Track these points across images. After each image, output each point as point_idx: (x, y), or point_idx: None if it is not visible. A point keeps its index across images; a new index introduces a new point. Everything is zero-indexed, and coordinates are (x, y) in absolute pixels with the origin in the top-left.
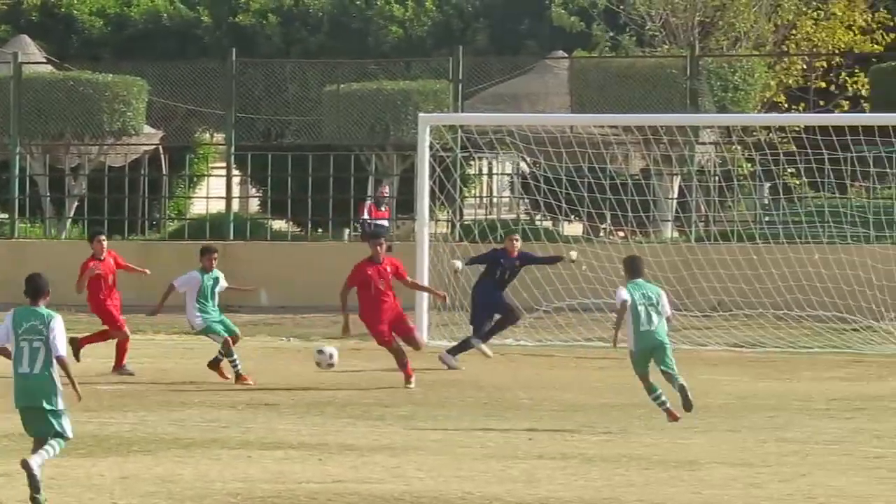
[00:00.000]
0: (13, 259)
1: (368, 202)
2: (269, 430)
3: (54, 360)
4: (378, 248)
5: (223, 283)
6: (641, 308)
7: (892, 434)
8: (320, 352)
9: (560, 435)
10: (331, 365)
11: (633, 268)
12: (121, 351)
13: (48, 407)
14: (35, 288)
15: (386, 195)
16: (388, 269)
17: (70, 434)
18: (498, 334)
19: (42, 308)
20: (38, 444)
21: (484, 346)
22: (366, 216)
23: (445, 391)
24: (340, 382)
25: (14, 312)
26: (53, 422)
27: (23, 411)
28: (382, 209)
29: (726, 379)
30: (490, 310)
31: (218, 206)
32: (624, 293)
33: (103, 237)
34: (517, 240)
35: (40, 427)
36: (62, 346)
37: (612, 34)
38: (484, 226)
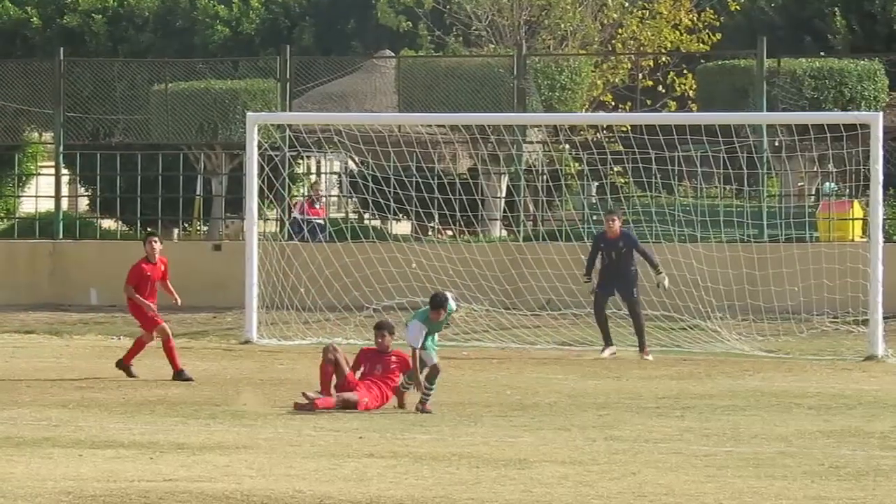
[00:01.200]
0: None
1: (301, 200)
2: (100, 428)
3: None
4: None
5: None
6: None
7: (720, 432)
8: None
9: (390, 434)
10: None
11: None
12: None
13: None
14: None
15: (322, 193)
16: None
17: None
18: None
19: None
20: None
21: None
22: (297, 214)
23: (276, 390)
24: (172, 381)
25: None
26: None
27: None
28: (317, 206)
29: (556, 377)
30: (606, 288)
31: (47, 206)
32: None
33: (156, 239)
34: (614, 220)
35: None
36: None
37: (438, 33)
38: (314, 226)
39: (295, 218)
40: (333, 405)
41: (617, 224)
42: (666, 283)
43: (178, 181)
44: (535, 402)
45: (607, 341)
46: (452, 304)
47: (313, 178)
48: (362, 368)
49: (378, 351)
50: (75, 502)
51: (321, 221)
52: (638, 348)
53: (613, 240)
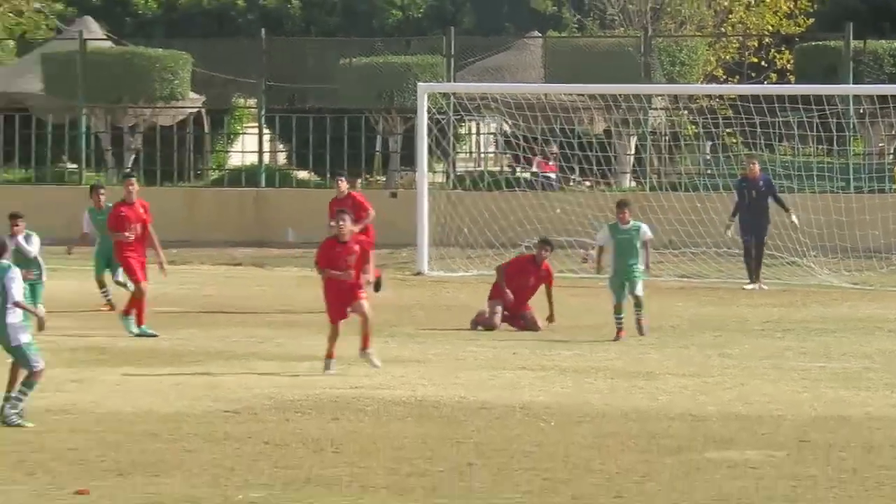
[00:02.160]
0: (81, 202)
1: (539, 158)
2: (297, 345)
3: (9, 306)
4: None
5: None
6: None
7: (814, 351)
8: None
9: (539, 350)
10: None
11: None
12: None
13: (5, 344)
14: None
15: (555, 152)
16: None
17: (35, 366)
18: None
19: (3, 262)
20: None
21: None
22: (535, 169)
23: (443, 313)
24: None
25: None
26: (18, 356)
27: None
28: (551, 163)
29: (677, 304)
30: (748, 233)
31: (251, 159)
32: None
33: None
34: (755, 163)
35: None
36: (18, 294)
37: (578, 17)
38: (474, 176)
39: (534, 172)
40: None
41: (757, 167)
42: (795, 219)
43: (361, 140)
44: (659, 325)
45: (751, 278)
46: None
47: (551, 142)
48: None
49: (534, 261)
50: (276, 406)
51: (552, 175)
52: (755, 279)
53: (754, 180)
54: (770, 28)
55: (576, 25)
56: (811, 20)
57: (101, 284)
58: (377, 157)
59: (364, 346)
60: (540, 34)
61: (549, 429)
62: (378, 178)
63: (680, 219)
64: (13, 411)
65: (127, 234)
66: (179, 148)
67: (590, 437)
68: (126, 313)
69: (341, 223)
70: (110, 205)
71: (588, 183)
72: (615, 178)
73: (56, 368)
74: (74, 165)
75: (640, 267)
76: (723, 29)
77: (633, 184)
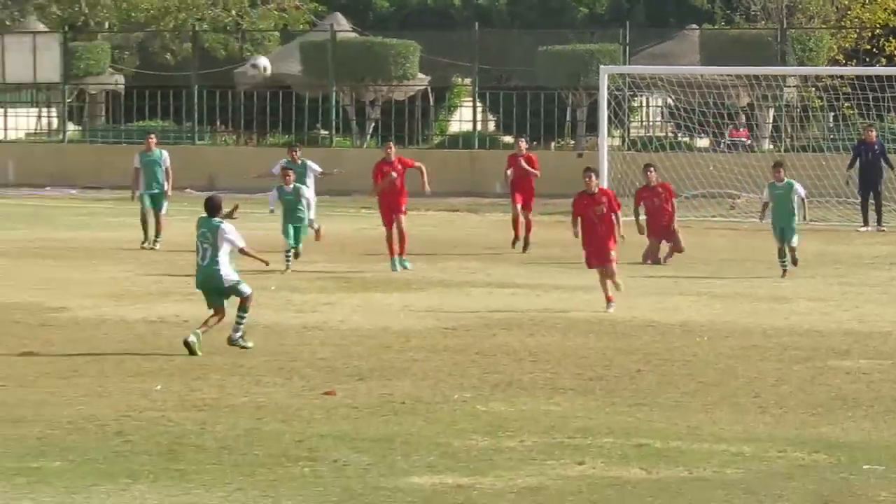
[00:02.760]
0: (332, 161)
1: (730, 127)
2: (503, 274)
3: (220, 255)
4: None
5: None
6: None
7: None
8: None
9: (695, 280)
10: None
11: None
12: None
13: (218, 287)
14: (211, 206)
15: (743, 122)
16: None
17: (246, 292)
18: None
19: (214, 220)
20: (216, 314)
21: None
22: (725, 136)
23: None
24: (549, 246)
25: (198, 220)
26: (225, 296)
27: (203, 292)
28: (740, 130)
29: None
30: (865, 188)
31: (467, 127)
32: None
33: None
34: (872, 130)
35: (215, 301)
36: (239, 241)
37: (727, 12)
38: (644, 140)
39: (725, 140)
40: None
41: (873, 133)
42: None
43: (554, 111)
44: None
45: (865, 222)
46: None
47: (741, 115)
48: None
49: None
50: (485, 324)
51: (744, 140)
52: (877, 223)
53: (870, 144)
54: (881, 22)
55: (725, 19)
56: None
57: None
58: (567, 126)
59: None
60: (697, 26)
61: (702, 342)
62: (568, 141)
63: (808, 174)
64: (238, 334)
65: (380, 184)
66: (409, 118)
67: (735, 348)
68: (401, 254)
69: (588, 179)
70: (304, 160)
71: (735, 145)
72: (756, 142)
73: (311, 294)
74: (325, 132)
75: (796, 221)
76: (843, 22)
77: (771, 146)
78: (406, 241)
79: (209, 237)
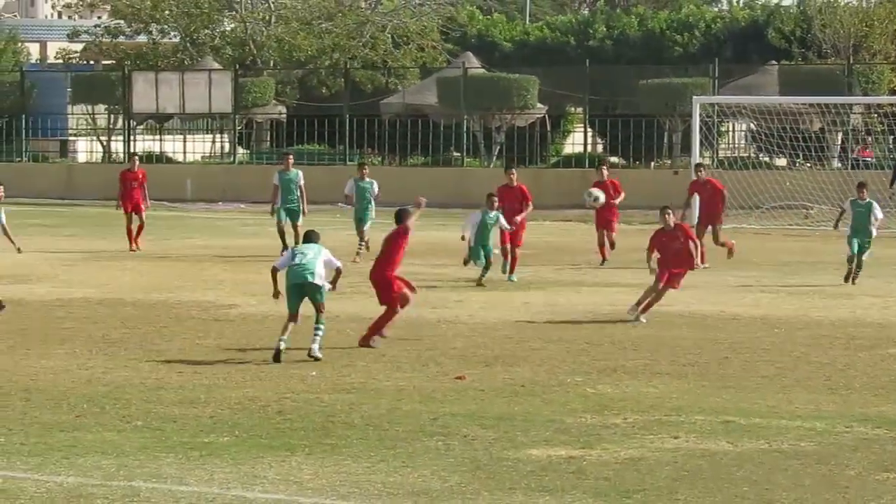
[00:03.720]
0: (462, 179)
1: (858, 147)
2: (610, 275)
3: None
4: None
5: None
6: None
7: None
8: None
9: (772, 279)
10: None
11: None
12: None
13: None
14: (311, 238)
15: (870, 143)
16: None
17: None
18: None
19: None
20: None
21: None
22: (855, 155)
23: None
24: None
25: (293, 249)
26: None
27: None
28: (867, 150)
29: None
30: None
31: (578, 149)
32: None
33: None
34: None
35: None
36: (335, 262)
37: (802, 50)
38: (731, 159)
39: (854, 158)
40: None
41: None
42: None
43: (653, 136)
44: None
45: None
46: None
47: (869, 138)
48: None
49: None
50: (594, 317)
51: (871, 160)
52: None
53: None
54: None
55: (800, 56)
56: None
57: (360, 235)
58: (664, 147)
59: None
60: (776, 62)
61: (780, 333)
62: (665, 161)
63: (872, 188)
64: (316, 346)
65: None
66: (529, 142)
67: (808, 338)
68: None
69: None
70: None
71: (808, 164)
72: (826, 161)
73: (444, 292)
74: (458, 154)
75: (872, 236)
76: None
77: (839, 164)
78: (517, 261)
79: (307, 255)
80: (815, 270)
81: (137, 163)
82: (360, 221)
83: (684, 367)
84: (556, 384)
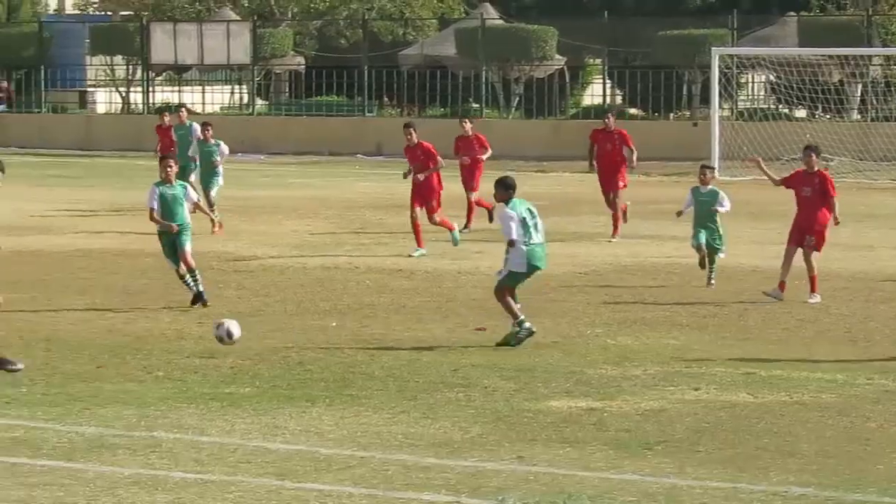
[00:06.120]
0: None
1: None
2: (630, 227)
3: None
4: None
5: None
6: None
7: None
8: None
9: None
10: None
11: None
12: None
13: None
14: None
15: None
16: None
17: None
18: None
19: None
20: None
21: None
22: None
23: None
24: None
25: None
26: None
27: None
28: None
29: (888, 200)
30: None
31: (597, 101)
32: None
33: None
34: None
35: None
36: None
37: (821, 2)
38: (750, 111)
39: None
40: None
41: None
42: None
43: (672, 87)
44: (873, 213)
45: None
46: None
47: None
48: None
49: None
50: (614, 269)
51: None
52: None
53: None
54: None
55: (819, 7)
56: None
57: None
58: (683, 99)
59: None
60: (795, 14)
61: (800, 285)
62: (684, 112)
63: (891, 140)
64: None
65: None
66: (548, 93)
67: (828, 290)
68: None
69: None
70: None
71: (828, 116)
72: (846, 113)
73: (464, 244)
74: (476, 105)
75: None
76: None
77: (858, 116)
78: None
79: (536, 215)
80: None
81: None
82: (206, 187)
83: (704, 319)
84: (577, 335)
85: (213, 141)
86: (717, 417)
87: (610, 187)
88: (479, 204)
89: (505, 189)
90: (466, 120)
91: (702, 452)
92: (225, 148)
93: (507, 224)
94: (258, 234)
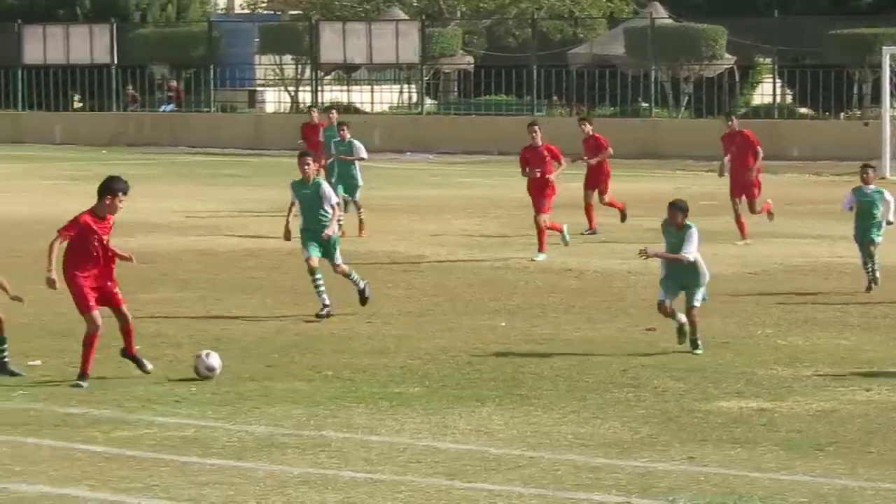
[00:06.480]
0: (652, 130)
1: None
2: (800, 227)
3: None
4: None
5: None
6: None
7: None
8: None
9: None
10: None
11: None
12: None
13: None
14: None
15: None
16: None
17: None
18: None
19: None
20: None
21: None
22: None
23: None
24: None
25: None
26: None
27: None
28: None
29: None
30: None
31: (767, 100)
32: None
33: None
34: None
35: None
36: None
37: None
38: None
39: None
40: None
41: None
42: None
43: (843, 86)
44: None
45: None
46: None
47: None
48: None
49: None
50: (784, 269)
51: None
52: None
53: None
54: None
55: None
56: None
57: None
58: (854, 98)
59: None
60: None
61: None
62: (855, 112)
63: None
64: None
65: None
66: (718, 92)
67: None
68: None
69: None
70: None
71: None
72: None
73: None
74: (646, 104)
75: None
76: None
77: None
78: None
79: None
80: None
81: (315, 115)
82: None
83: (876, 320)
84: (747, 336)
85: (348, 139)
86: (890, 418)
87: (736, 193)
88: (611, 204)
89: (685, 214)
90: (586, 122)
91: (874, 453)
92: (361, 147)
93: (697, 244)
94: (427, 234)
